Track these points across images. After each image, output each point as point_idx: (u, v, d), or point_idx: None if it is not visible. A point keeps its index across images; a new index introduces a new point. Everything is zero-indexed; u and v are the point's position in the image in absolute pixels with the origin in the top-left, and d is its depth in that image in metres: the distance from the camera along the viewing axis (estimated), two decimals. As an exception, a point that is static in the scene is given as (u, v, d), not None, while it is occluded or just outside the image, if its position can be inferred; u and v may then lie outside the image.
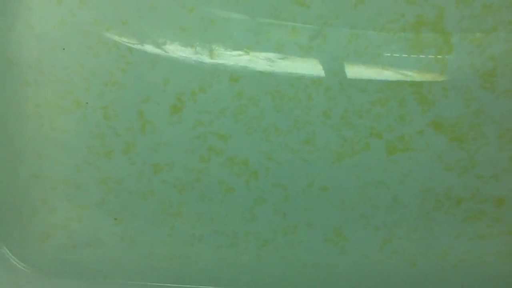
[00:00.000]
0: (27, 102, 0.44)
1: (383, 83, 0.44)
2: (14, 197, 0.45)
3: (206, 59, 0.44)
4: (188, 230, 0.45)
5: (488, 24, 0.45)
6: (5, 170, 0.44)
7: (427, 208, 0.45)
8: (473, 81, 0.44)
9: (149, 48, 0.44)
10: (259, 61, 0.45)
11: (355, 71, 0.45)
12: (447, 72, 0.44)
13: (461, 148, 0.44)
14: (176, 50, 0.44)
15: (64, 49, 0.44)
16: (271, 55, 0.45)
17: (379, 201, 0.45)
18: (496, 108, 0.43)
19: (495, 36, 0.45)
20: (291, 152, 0.45)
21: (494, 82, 0.44)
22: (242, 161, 0.45)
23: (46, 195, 0.45)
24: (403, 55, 0.45)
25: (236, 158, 0.45)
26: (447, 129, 0.44)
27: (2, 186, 0.44)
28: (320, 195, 0.45)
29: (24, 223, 0.45)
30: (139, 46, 0.44)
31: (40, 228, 0.45)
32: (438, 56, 0.44)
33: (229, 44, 0.45)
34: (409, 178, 0.44)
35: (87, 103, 0.44)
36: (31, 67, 0.44)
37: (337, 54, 0.45)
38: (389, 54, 0.45)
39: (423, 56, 0.44)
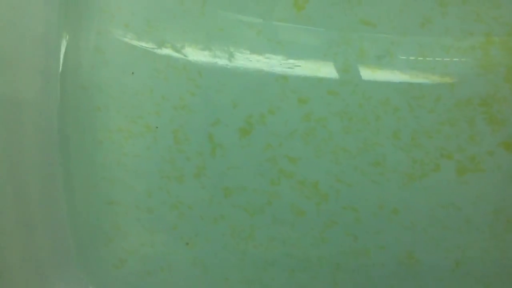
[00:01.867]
0: (99, 128, 0.44)
1: (452, 103, 0.44)
2: (89, 224, 0.45)
3: (274, 80, 0.44)
4: (260, 254, 0.45)
5: (559, 42, 0.44)
6: (80, 197, 0.44)
7: (499, 229, 0.44)
8: (545, 100, 0.43)
9: (217, 70, 0.44)
10: (327, 82, 0.44)
11: (423, 91, 0.44)
12: (518, 91, 0.44)
13: (533, 169, 0.44)
14: (245, 72, 0.44)
15: (133, 73, 0.43)
16: (339, 75, 0.45)
17: (450, 222, 0.44)
18: None
19: None
20: (361, 174, 0.44)
21: None
22: (312, 183, 0.44)
23: (119, 221, 0.45)
24: (472, 75, 0.44)
25: (306, 181, 0.44)
26: (519, 149, 0.44)
27: (79, 214, 0.44)
28: (391, 218, 0.44)
29: (100, 250, 0.45)
30: (208, 69, 0.44)
31: (115, 255, 0.45)
32: (509, 75, 0.44)
33: (297, 65, 0.44)
34: (480, 199, 0.44)
35: (157, 127, 0.44)
36: (102, 92, 0.43)
37: (405, 73, 0.44)
38: (457, 74, 0.44)
39: (493, 75, 0.44)
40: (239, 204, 0.44)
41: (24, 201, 0.42)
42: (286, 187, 0.44)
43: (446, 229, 0.44)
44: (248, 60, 0.44)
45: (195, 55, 0.44)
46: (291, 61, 0.44)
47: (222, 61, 0.44)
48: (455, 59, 0.44)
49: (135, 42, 0.44)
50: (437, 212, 0.44)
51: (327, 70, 0.44)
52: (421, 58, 0.44)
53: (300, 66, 0.44)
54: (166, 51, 0.44)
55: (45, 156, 0.42)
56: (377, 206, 0.44)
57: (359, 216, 0.44)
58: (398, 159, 0.44)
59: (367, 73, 0.44)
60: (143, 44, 0.44)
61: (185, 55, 0.44)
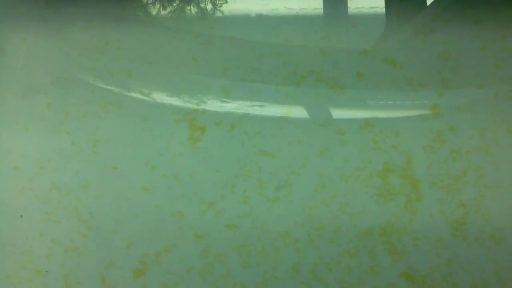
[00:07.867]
0: (-16, 278, 0.43)
1: (352, 233, 0.44)
2: None
3: (170, 218, 0.43)
4: None
5: (457, 169, 0.44)
6: None
7: None
8: (444, 229, 0.43)
9: (111, 210, 0.43)
10: (225, 215, 0.44)
11: (323, 221, 0.44)
12: (417, 220, 0.43)
13: (434, 300, 0.43)
14: (139, 211, 0.43)
15: (21, 216, 0.43)
16: (237, 208, 0.44)
17: None
18: (468, 256, 0.42)
19: (464, 182, 0.44)
20: (260, 311, 0.43)
21: (464, 229, 0.43)
22: (208, 324, 0.43)
23: None
24: (372, 204, 0.44)
25: (202, 322, 0.43)
26: (419, 280, 0.43)
27: None
28: None
29: None
30: (100, 209, 0.43)
31: None
32: (408, 204, 0.44)
33: (194, 200, 0.44)
34: (382, 332, 0.43)
35: (46, 271, 0.43)
36: (-10, 240, 0.43)
37: (305, 204, 0.44)
38: (357, 203, 0.44)
39: (392, 204, 0.44)
40: None
41: None
42: (181, 329, 0.43)
43: None
44: (143, 197, 0.43)
45: (87, 195, 0.43)
46: (188, 196, 0.44)
47: (115, 200, 0.43)
48: (354, 188, 0.44)
49: (26, 185, 0.43)
50: None
51: (224, 203, 0.44)
52: (320, 187, 0.44)
53: (197, 200, 0.44)
54: (57, 193, 0.43)
55: None
56: None
57: None
58: (298, 293, 0.43)
59: (266, 205, 0.44)
60: (34, 187, 0.43)
61: (76, 196, 0.43)
